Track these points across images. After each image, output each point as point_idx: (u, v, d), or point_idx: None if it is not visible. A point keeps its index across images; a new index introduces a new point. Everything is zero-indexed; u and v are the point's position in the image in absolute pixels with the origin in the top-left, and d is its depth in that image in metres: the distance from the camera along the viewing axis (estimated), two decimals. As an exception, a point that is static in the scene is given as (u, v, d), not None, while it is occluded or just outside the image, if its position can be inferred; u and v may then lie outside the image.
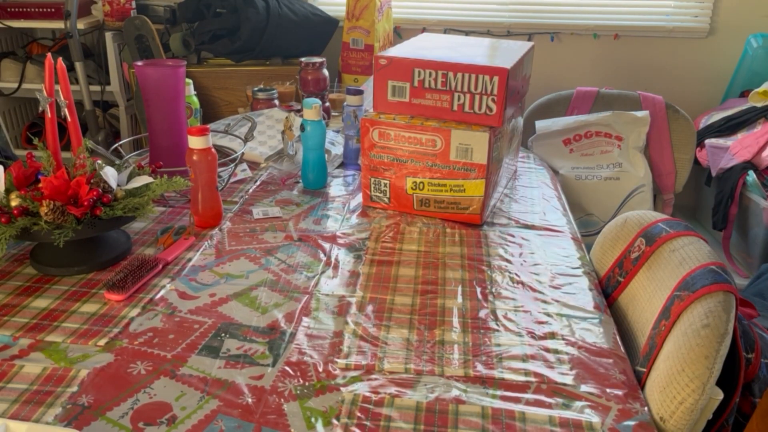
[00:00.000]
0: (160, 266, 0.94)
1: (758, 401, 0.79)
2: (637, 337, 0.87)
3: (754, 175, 1.73)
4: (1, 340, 0.77)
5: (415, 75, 1.06)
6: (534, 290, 0.91)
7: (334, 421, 0.65)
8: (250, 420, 0.65)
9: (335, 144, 1.44)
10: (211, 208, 1.06)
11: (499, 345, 0.78)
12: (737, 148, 1.80)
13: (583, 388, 0.71)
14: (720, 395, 0.70)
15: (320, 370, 0.73)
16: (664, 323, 0.79)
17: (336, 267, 0.96)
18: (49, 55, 0.93)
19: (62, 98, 0.93)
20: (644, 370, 0.80)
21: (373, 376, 0.72)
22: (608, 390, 0.71)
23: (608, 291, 0.98)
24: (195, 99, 1.50)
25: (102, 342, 0.77)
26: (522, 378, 0.73)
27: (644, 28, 2.24)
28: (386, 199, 1.15)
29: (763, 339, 0.83)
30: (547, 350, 0.78)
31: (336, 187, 1.26)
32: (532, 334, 0.81)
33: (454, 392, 0.70)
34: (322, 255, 0.99)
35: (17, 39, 2.59)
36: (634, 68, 2.29)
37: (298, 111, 1.54)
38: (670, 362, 0.73)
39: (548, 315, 0.85)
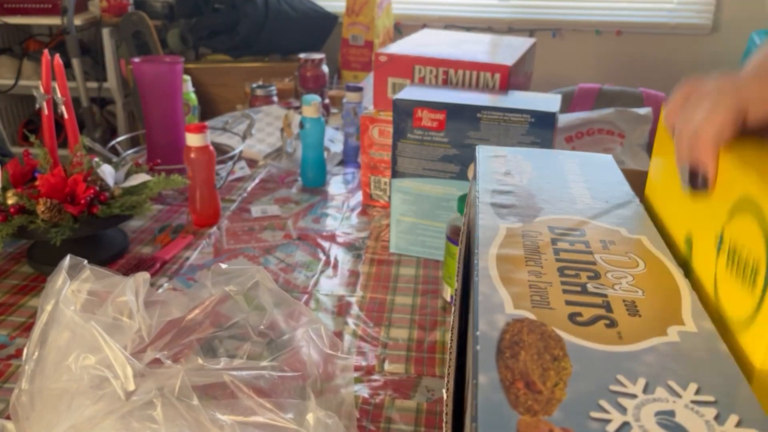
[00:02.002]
0: (158, 265, 0.93)
1: None
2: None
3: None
4: (-3, 340, 0.76)
5: (415, 72, 1.05)
6: (535, 289, 0.90)
7: (333, 423, 0.65)
8: (248, 421, 0.65)
9: (334, 141, 1.43)
10: (209, 207, 1.06)
11: (499, 345, 0.78)
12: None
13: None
14: None
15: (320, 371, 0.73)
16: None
17: (335, 266, 0.95)
18: (46, 51, 0.92)
19: (59, 95, 0.92)
20: None
21: (373, 377, 0.71)
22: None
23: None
24: (193, 96, 1.49)
25: (99, 342, 0.76)
26: (523, 379, 0.72)
27: (647, 25, 2.23)
28: (386, 198, 1.14)
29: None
30: (549, 350, 0.77)
31: (335, 185, 1.25)
32: (533, 334, 0.80)
33: (455, 393, 0.69)
34: (321, 254, 0.98)
35: (14, 35, 2.57)
36: (636, 65, 2.28)
37: (297, 108, 1.53)
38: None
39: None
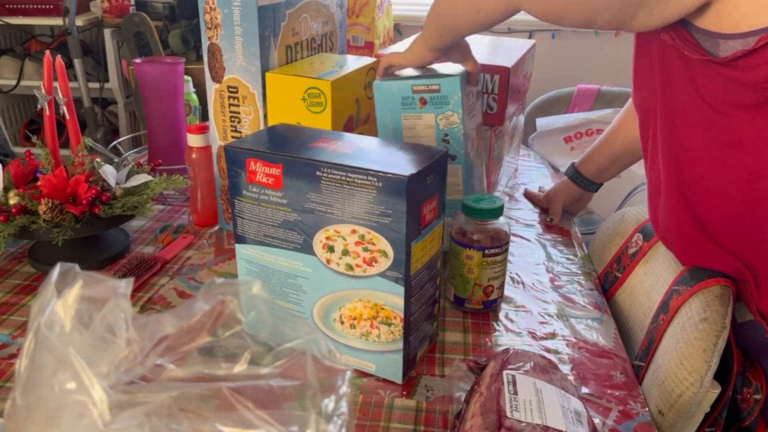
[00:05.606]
0: (159, 265, 0.93)
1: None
2: (635, 331, 0.87)
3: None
4: (0, 339, 0.77)
5: (415, 73, 1.05)
6: (534, 290, 0.91)
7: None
8: (249, 420, 0.65)
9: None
10: (210, 207, 1.06)
11: (499, 345, 0.78)
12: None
13: (584, 389, 0.71)
14: (718, 389, 0.70)
15: (320, 370, 0.73)
16: (663, 317, 0.79)
17: (336, 266, 0.95)
18: (47, 52, 0.92)
19: (61, 96, 0.92)
20: (642, 364, 0.80)
21: (373, 377, 0.72)
22: (609, 391, 0.71)
23: (606, 286, 0.98)
24: (194, 96, 1.49)
25: (100, 341, 0.77)
26: (522, 378, 0.72)
27: (645, 26, 2.23)
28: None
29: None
30: (548, 350, 0.77)
31: (336, 186, 1.25)
32: (533, 335, 0.80)
33: (455, 392, 0.70)
34: (321, 254, 0.99)
35: (15, 36, 2.58)
36: (634, 66, 2.28)
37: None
38: (668, 356, 0.73)
39: (549, 315, 0.85)
